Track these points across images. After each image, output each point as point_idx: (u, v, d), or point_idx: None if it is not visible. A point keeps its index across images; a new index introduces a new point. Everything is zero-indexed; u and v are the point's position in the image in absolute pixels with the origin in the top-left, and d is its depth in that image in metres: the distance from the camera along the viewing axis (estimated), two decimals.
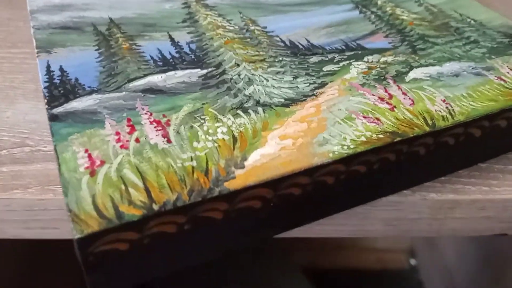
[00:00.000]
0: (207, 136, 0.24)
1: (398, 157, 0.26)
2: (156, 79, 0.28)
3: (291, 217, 0.26)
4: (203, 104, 0.26)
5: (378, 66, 0.31)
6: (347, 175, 0.25)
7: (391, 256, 0.97)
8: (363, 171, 0.25)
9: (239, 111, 0.26)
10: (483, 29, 0.36)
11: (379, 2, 0.39)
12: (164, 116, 0.25)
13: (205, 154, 0.23)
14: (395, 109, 0.27)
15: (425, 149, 0.27)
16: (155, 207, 0.20)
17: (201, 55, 0.31)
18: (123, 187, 0.21)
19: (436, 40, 0.34)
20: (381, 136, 0.25)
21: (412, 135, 0.26)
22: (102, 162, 0.22)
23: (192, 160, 0.23)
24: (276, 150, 0.24)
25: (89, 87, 0.27)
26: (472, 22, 0.37)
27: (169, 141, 0.24)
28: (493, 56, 0.33)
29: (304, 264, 0.85)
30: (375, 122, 0.26)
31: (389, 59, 0.32)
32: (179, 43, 0.32)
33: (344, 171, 0.25)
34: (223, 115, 0.26)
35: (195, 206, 0.21)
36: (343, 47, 0.33)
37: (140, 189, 0.21)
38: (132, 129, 0.24)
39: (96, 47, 0.31)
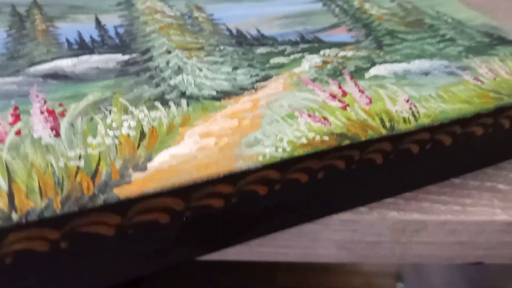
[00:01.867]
0: (107, 130, 0.19)
1: (349, 165, 0.21)
2: (65, 64, 0.23)
3: (214, 235, 0.21)
4: (114, 93, 0.22)
5: (335, 61, 0.26)
6: (284, 184, 0.20)
7: (379, 280, 0.94)
8: (304, 180, 0.21)
9: (156, 103, 0.21)
10: (461, 28, 0.32)
11: None
12: (60, 105, 0.20)
13: (99, 152, 0.18)
14: (348, 108, 0.22)
15: (383, 157, 0.22)
16: (15, 216, 0.16)
17: (127, 40, 0.26)
18: None
19: (406, 36, 0.30)
20: (326, 138, 0.20)
21: (364, 139, 0.21)
22: None
23: (80, 159, 0.18)
24: (192, 150, 0.19)
25: None
26: (450, 20, 0.33)
27: (57, 134, 0.19)
28: (470, 55, 0.28)
29: (289, 286, 0.81)
30: (321, 122, 0.21)
31: (349, 53, 0.27)
32: (105, 26, 0.27)
33: (279, 180, 0.20)
34: (136, 107, 0.21)
35: (71, 218, 0.16)
36: (298, 39, 0.28)
37: (2, 192, 0.16)
38: (16, 118, 0.19)
39: (7, 28, 0.26)
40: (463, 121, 0.24)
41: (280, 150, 0.19)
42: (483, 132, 0.25)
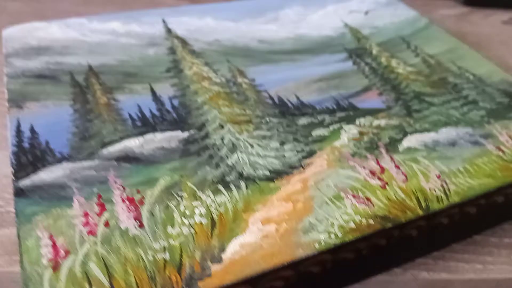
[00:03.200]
0: (183, 218, 0.22)
1: (389, 241, 0.24)
2: (133, 144, 0.26)
3: None
4: (182, 176, 0.24)
5: (370, 132, 0.29)
6: (334, 263, 0.23)
7: None
8: (351, 257, 0.24)
9: (219, 186, 0.24)
10: (482, 86, 0.34)
11: (374, 52, 0.37)
12: (138, 191, 0.23)
13: (179, 243, 0.21)
14: (387, 186, 0.25)
15: (418, 231, 0.25)
16: None
17: (183, 114, 0.29)
18: (87, 286, 0.19)
19: (432, 99, 0.32)
20: (371, 222, 0.23)
21: (404, 221, 0.24)
22: (67, 253, 0.20)
23: (165, 251, 0.21)
24: (258, 238, 0.22)
25: (59, 153, 0.25)
26: (471, 77, 0.35)
27: (141, 225, 0.22)
28: (492, 120, 0.31)
29: None
30: (365, 203, 0.24)
31: (382, 122, 0.30)
32: (161, 98, 0.30)
33: (331, 260, 0.23)
34: (202, 191, 0.24)
35: None
36: (334, 106, 0.31)
37: None
38: (102, 209, 0.22)
39: (71, 102, 0.29)
40: (488, 194, 0.26)
41: (332, 236, 0.22)
42: (504, 199, 0.28)
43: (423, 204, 0.25)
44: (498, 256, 0.29)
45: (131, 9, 0.51)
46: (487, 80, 0.35)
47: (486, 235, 0.30)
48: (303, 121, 0.29)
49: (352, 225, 0.23)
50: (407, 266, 0.28)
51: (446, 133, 0.29)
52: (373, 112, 0.31)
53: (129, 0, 0.53)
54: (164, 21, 0.38)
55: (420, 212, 0.24)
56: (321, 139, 0.28)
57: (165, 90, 0.31)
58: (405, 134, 0.29)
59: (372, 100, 0.32)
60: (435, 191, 0.25)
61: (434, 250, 0.29)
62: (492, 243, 0.30)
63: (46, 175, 0.24)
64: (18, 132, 0.26)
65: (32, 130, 0.26)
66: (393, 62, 0.36)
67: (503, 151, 0.29)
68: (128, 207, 0.23)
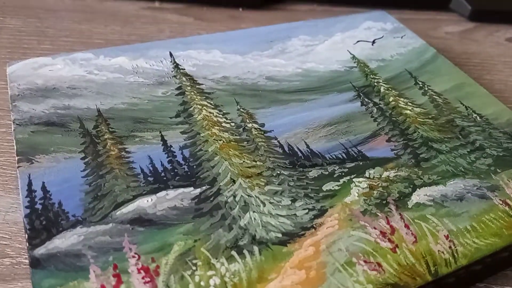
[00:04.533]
0: None
1: None
2: (146, 204, 0.26)
3: None
4: (195, 241, 0.25)
5: (380, 185, 0.29)
6: None
7: None
8: None
9: (233, 252, 0.25)
10: (489, 129, 0.34)
11: (382, 89, 0.37)
12: (153, 260, 0.24)
13: None
14: (397, 249, 0.26)
15: None
16: None
17: (194, 166, 0.29)
18: None
19: (440, 146, 0.33)
20: None
21: (414, 287, 0.24)
22: None
23: None
24: None
25: (73, 216, 0.25)
26: (478, 119, 0.35)
27: None
28: (498, 170, 0.31)
29: None
30: (376, 270, 0.25)
31: (392, 174, 0.30)
32: (171, 148, 0.30)
33: None
34: (216, 258, 0.24)
35: None
36: (344, 155, 0.31)
37: None
38: (119, 280, 0.23)
39: (82, 154, 0.29)
40: (494, 254, 0.27)
41: None
42: (509, 254, 0.29)
43: (432, 269, 0.25)
44: None
45: (134, 26, 0.51)
46: (493, 122, 0.35)
47: (488, 283, 0.31)
48: (313, 173, 0.30)
49: None
50: None
51: (453, 186, 0.30)
52: (382, 162, 0.31)
53: (132, 18, 0.52)
54: (171, 55, 0.38)
55: (429, 278, 0.25)
56: (332, 195, 0.28)
57: (176, 139, 0.31)
58: (414, 187, 0.29)
59: (381, 147, 0.32)
60: (443, 253, 0.26)
61: None
62: None
63: (61, 241, 0.24)
64: (30, 191, 0.26)
65: (44, 188, 0.26)
66: (401, 102, 0.36)
67: (509, 206, 0.29)
68: (144, 278, 0.23)
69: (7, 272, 0.28)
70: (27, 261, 0.28)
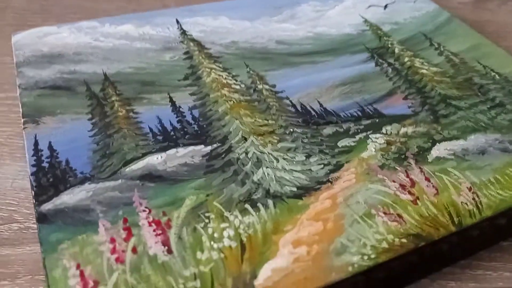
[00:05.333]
0: (212, 242, 0.22)
1: (421, 258, 0.24)
2: (156, 161, 0.25)
3: None
4: (207, 195, 0.24)
5: (397, 140, 0.28)
6: (366, 282, 0.23)
7: None
8: (383, 275, 0.23)
9: (247, 206, 0.24)
10: (508, 87, 0.33)
11: (396, 50, 0.36)
12: (164, 214, 0.23)
13: (210, 269, 0.21)
14: (418, 201, 0.25)
15: (449, 245, 0.25)
16: None
17: (204, 125, 0.28)
18: None
19: (459, 103, 0.31)
20: (404, 241, 0.23)
21: (437, 238, 0.23)
22: (96, 283, 0.20)
23: (195, 279, 0.20)
24: (289, 262, 0.21)
25: (81, 173, 0.24)
26: (497, 77, 0.34)
27: (169, 251, 0.21)
28: None
29: None
30: (397, 221, 0.24)
31: (410, 130, 0.29)
32: (180, 109, 0.29)
33: (363, 280, 0.22)
34: (229, 211, 0.23)
35: None
36: (359, 113, 0.30)
37: None
38: (129, 234, 0.22)
39: (89, 115, 0.28)
40: None
41: (365, 258, 0.22)
42: None
43: (456, 220, 0.24)
44: None
45: (139, 2, 0.50)
46: None
47: None
48: (328, 130, 0.29)
49: (385, 245, 0.22)
50: (434, 276, 0.27)
51: (475, 141, 0.29)
52: (399, 119, 0.30)
53: None
54: (178, 22, 0.37)
55: (453, 229, 0.24)
56: (348, 150, 0.27)
57: (185, 100, 0.30)
58: (434, 142, 0.28)
59: (397, 105, 0.31)
60: (467, 205, 0.25)
61: (462, 258, 0.28)
62: None
63: (69, 197, 0.23)
64: (36, 150, 0.25)
65: (51, 148, 0.26)
66: (417, 62, 0.35)
67: None
68: (155, 231, 0.22)
69: (15, 237, 0.27)
70: (35, 226, 0.28)
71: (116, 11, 0.48)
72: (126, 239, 0.22)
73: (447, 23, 0.40)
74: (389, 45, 0.36)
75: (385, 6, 0.41)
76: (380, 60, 0.35)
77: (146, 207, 0.23)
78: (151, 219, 0.23)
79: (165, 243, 0.22)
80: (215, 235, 0.22)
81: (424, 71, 0.34)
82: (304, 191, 0.25)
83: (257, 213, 0.23)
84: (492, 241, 0.28)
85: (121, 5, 0.50)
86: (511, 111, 0.31)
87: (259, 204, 0.24)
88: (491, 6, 0.56)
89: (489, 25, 0.51)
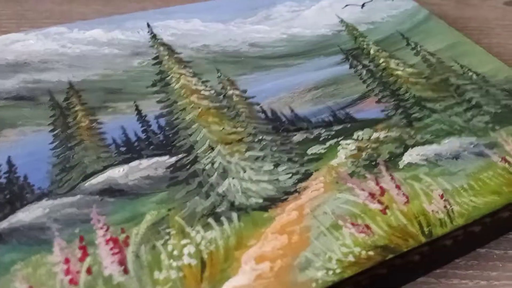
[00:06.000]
0: (171, 261, 0.21)
1: (390, 270, 0.23)
2: (117, 174, 0.25)
3: None
4: (169, 210, 0.23)
5: (369, 146, 0.27)
6: None
7: None
8: None
9: (210, 220, 0.23)
10: (486, 87, 0.32)
11: (372, 51, 0.35)
12: (122, 231, 0.22)
13: None
14: (387, 210, 0.24)
15: (420, 256, 0.24)
16: None
17: (171, 135, 0.27)
18: None
19: (434, 105, 0.31)
20: (371, 253, 0.22)
21: (406, 250, 0.22)
22: None
23: None
24: (251, 280, 0.21)
25: (39, 188, 0.24)
26: (475, 77, 0.33)
27: (126, 270, 0.20)
28: (497, 127, 0.29)
29: None
30: (364, 232, 0.23)
31: (382, 135, 0.28)
32: (146, 118, 0.28)
33: None
34: (191, 226, 0.22)
35: None
36: (331, 118, 0.29)
37: None
38: (84, 253, 0.21)
39: (51, 127, 0.27)
40: (493, 213, 0.25)
41: (330, 273, 0.21)
42: (510, 214, 0.27)
43: (426, 230, 0.23)
44: (503, 271, 0.28)
45: (116, 5, 0.49)
46: (491, 80, 0.33)
47: (489, 247, 0.29)
48: (298, 137, 0.28)
49: (351, 258, 0.22)
50: (408, 286, 0.27)
51: (448, 145, 0.28)
52: (371, 123, 0.29)
53: None
54: (149, 26, 0.36)
55: (423, 239, 0.23)
56: (317, 158, 0.27)
57: (151, 108, 0.29)
58: (406, 147, 0.27)
59: (370, 109, 0.30)
60: (438, 213, 0.24)
61: (436, 268, 0.27)
62: (497, 257, 0.29)
63: (25, 215, 0.22)
64: None
65: (10, 162, 0.25)
66: (392, 63, 0.34)
67: (509, 162, 0.27)
68: (112, 249, 0.21)
69: None
70: None
71: (92, 15, 0.47)
72: (81, 259, 0.21)
73: (425, 21, 0.39)
74: (365, 46, 0.35)
75: (363, 5, 0.40)
76: (355, 62, 0.34)
77: (104, 224, 0.22)
78: (108, 236, 0.22)
79: (122, 262, 0.21)
80: (175, 252, 0.21)
81: (399, 72, 0.33)
82: (270, 203, 0.24)
83: (220, 228, 0.23)
84: (468, 249, 0.27)
85: (97, 8, 0.49)
86: (487, 113, 0.30)
87: (222, 218, 0.23)
88: (474, 2, 0.55)
89: (471, 22, 0.51)
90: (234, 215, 0.23)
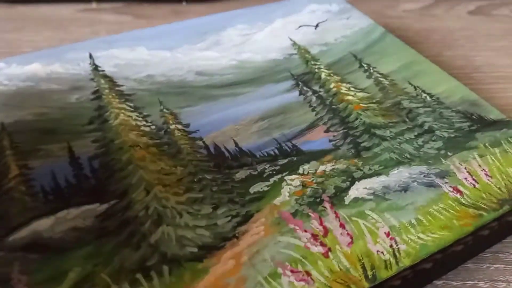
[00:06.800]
0: None
1: None
2: (43, 226, 0.23)
3: None
4: (95, 266, 0.22)
5: (314, 181, 0.26)
6: None
7: None
8: None
9: (138, 275, 0.21)
10: (440, 109, 0.31)
11: (323, 75, 0.34)
12: None
13: None
14: (329, 253, 0.23)
15: None
16: None
17: (104, 178, 0.26)
18: None
19: (384, 132, 0.29)
20: None
21: None
22: None
23: None
24: None
25: None
26: (428, 98, 0.32)
27: None
28: (449, 153, 0.28)
29: None
30: (304, 280, 0.22)
31: (328, 167, 0.27)
32: (79, 160, 0.27)
33: None
34: (117, 284, 0.21)
35: None
36: (276, 151, 0.28)
37: None
38: None
39: None
40: (443, 250, 0.24)
41: None
42: (463, 247, 0.26)
43: (369, 273, 0.22)
44: None
45: (68, 31, 0.48)
46: (445, 101, 0.32)
47: (447, 279, 0.28)
48: (240, 174, 0.26)
49: None
50: None
51: (397, 175, 0.27)
52: (318, 155, 0.28)
53: (65, 22, 0.49)
54: (91, 57, 0.34)
55: (366, 285, 0.22)
56: (260, 197, 0.25)
57: (86, 149, 0.27)
58: (353, 181, 0.26)
59: (318, 139, 0.29)
60: (383, 254, 0.23)
61: None
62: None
63: None
64: None
65: None
66: (343, 88, 0.33)
67: (461, 193, 0.26)
68: None
69: None
70: None
71: (43, 42, 0.46)
72: None
73: (380, 40, 0.38)
74: (316, 70, 0.34)
75: (316, 25, 0.39)
76: (305, 88, 0.33)
77: (25, 285, 0.21)
78: None
79: None
80: None
81: (350, 97, 0.32)
82: (205, 251, 0.23)
83: (149, 284, 0.21)
84: (420, 285, 0.26)
85: (48, 35, 0.47)
86: (440, 138, 0.29)
87: (152, 272, 0.22)
88: (438, 12, 0.54)
89: (435, 33, 0.50)
90: (165, 268, 0.22)
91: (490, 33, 0.50)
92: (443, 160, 0.28)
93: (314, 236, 0.23)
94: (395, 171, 0.27)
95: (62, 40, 0.46)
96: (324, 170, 0.27)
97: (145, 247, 0.23)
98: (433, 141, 0.29)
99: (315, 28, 0.39)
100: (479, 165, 0.28)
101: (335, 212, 0.25)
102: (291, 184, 0.26)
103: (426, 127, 0.30)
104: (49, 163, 0.26)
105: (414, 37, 0.49)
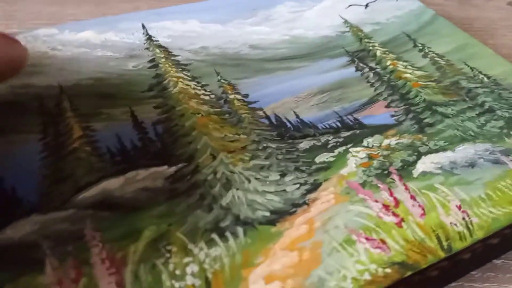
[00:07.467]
0: (173, 281, 0.19)
1: (407, 287, 0.22)
2: (113, 185, 0.23)
3: None
4: (169, 225, 0.21)
5: (380, 154, 0.26)
6: None
7: None
8: None
9: (214, 235, 0.21)
10: (498, 90, 0.31)
11: (378, 53, 0.33)
12: (119, 248, 0.20)
13: None
14: (403, 223, 0.22)
15: (438, 271, 0.22)
16: None
17: (169, 143, 0.25)
18: None
19: (446, 109, 0.29)
20: (388, 270, 0.20)
21: (425, 266, 0.21)
22: None
23: None
24: None
25: (28, 201, 0.22)
26: (485, 79, 0.32)
27: None
28: (511, 133, 0.28)
29: None
30: (380, 248, 0.21)
31: (393, 142, 0.27)
32: (142, 125, 0.26)
33: None
34: (194, 243, 0.21)
35: None
36: (338, 124, 0.28)
37: None
38: (79, 274, 0.19)
39: (41, 135, 0.25)
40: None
41: None
42: None
43: (445, 244, 0.22)
44: None
45: (108, 5, 0.47)
46: (503, 83, 0.32)
47: (506, 258, 0.28)
48: (304, 144, 0.26)
49: (368, 276, 0.20)
50: None
51: (463, 152, 0.26)
52: (381, 129, 0.27)
53: None
54: (144, 27, 0.34)
55: (442, 254, 0.21)
56: (326, 167, 0.25)
57: (148, 114, 0.27)
58: (419, 155, 0.26)
59: (379, 114, 0.29)
60: (456, 226, 0.23)
61: (452, 281, 0.26)
62: None
63: (13, 232, 0.21)
64: None
65: None
66: (400, 66, 0.33)
67: None
68: (109, 270, 0.19)
69: None
70: None
71: (83, 16, 0.46)
72: (76, 281, 0.19)
73: (432, 22, 0.37)
74: (370, 48, 0.34)
75: (366, 5, 0.39)
76: (361, 65, 0.32)
77: (99, 241, 0.20)
78: (104, 255, 0.20)
79: (119, 283, 0.19)
80: (177, 272, 0.20)
81: (408, 75, 0.32)
82: (278, 216, 0.22)
83: (225, 244, 0.21)
84: (485, 261, 0.26)
85: (88, 9, 0.47)
86: (501, 118, 0.29)
87: (227, 233, 0.21)
88: (478, 2, 0.54)
89: (475, 22, 0.49)
90: (240, 230, 0.21)
91: None
92: (506, 138, 0.27)
93: (386, 207, 0.23)
94: (461, 148, 0.27)
95: (103, 14, 0.46)
96: (389, 144, 0.27)
97: (218, 209, 0.22)
98: (495, 120, 0.29)
99: (365, 8, 0.38)
100: None
101: (404, 185, 0.24)
102: (356, 156, 0.26)
103: (486, 107, 0.30)
104: (112, 126, 0.26)
105: (456, 25, 0.48)
